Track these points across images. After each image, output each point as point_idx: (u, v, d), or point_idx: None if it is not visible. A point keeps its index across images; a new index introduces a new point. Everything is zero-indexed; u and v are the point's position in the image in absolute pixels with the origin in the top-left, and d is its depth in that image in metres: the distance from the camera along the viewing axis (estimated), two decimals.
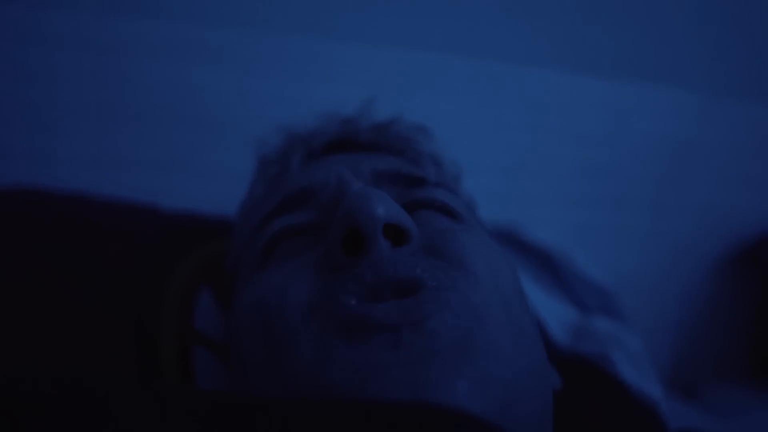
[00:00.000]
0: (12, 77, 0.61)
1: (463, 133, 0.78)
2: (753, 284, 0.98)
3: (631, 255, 0.91)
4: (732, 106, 0.91)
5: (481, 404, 0.24)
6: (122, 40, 0.63)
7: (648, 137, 0.88)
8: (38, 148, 0.62)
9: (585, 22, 0.84)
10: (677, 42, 0.89)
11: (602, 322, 0.60)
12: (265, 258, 0.34)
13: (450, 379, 0.24)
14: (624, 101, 0.86)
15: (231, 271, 0.39)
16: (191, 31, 0.65)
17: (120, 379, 0.23)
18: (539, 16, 0.82)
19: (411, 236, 0.30)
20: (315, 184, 0.36)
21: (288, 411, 0.22)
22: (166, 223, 0.53)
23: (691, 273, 0.96)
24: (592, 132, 0.85)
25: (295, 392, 0.26)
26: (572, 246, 0.75)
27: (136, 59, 0.64)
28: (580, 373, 0.50)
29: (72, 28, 0.62)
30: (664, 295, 0.95)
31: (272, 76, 0.69)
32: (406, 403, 0.23)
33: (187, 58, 0.65)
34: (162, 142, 0.66)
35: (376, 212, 0.28)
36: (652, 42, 0.88)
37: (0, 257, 0.43)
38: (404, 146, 0.43)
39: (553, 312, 0.60)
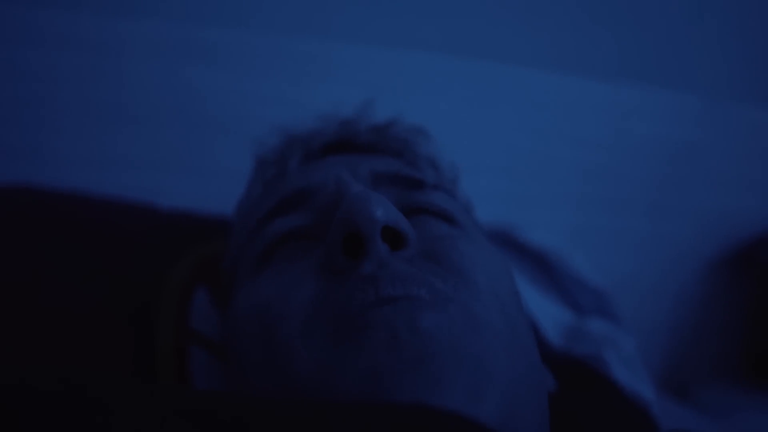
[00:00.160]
0: (10, 76, 0.61)
1: (462, 134, 0.78)
2: (747, 286, 0.98)
3: (628, 256, 0.91)
4: (732, 109, 0.92)
5: (479, 411, 0.24)
6: (121, 40, 0.63)
7: (648, 140, 0.88)
8: (36, 147, 0.62)
9: (586, 24, 0.84)
10: (678, 45, 0.90)
11: (596, 323, 0.60)
12: (263, 261, 0.34)
13: (448, 384, 0.24)
14: (624, 104, 0.86)
15: (228, 271, 0.39)
16: (190, 32, 0.65)
17: (115, 379, 0.23)
18: (539, 17, 0.82)
19: (409, 240, 0.30)
20: (313, 185, 0.36)
21: (286, 412, 0.22)
22: (163, 222, 0.53)
23: (687, 274, 0.96)
24: (591, 134, 0.85)
25: (295, 397, 0.27)
26: (570, 247, 0.75)
27: (134, 59, 0.64)
28: (573, 375, 0.50)
29: (71, 28, 0.61)
30: (660, 297, 0.95)
31: (270, 77, 0.69)
32: (405, 405, 0.23)
33: (186, 58, 0.65)
34: (160, 141, 0.66)
35: (375, 215, 0.28)
36: (653, 44, 0.88)
37: None
38: (402, 148, 0.43)
39: (548, 313, 0.61)
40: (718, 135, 0.92)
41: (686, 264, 0.95)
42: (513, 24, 0.81)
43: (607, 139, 0.86)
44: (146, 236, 0.50)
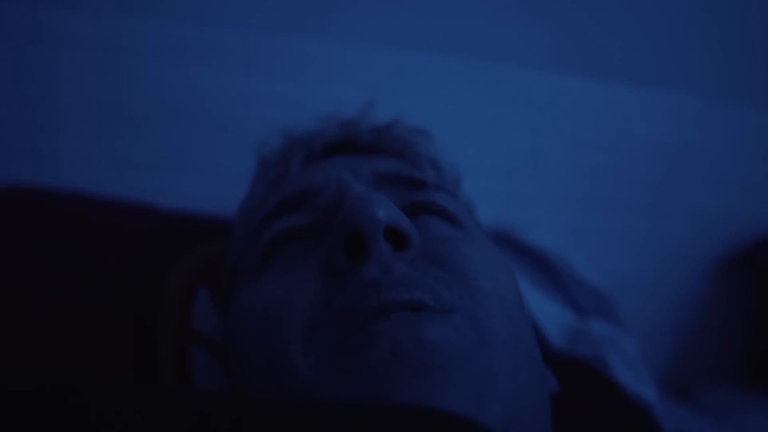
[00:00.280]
0: (10, 76, 0.60)
1: (463, 135, 0.78)
2: (749, 287, 0.98)
3: (629, 258, 0.91)
4: (731, 110, 0.92)
5: (484, 417, 0.24)
6: (121, 40, 0.63)
7: (648, 141, 0.88)
8: (36, 147, 0.62)
9: (586, 26, 0.84)
10: (678, 46, 0.90)
11: (598, 324, 0.60)
12: (264, 262, 0.34)
13: (452, 393, 0.24)
14: (624, 105, 0.86)
15: (229, 272, 0.39)
16: (190, 32, 0.65)
17: (114, 381, 0.23)
18: (540, 18, 0.82)
19: (411, 241, 0.29)
20: (314, 186, 0.36)
21: (286, 413, 0.22)
22: (164, 222, 0.53)
23: (688, 276, 0.96)
24: (591, 135, 0.85)
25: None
26: (571, 248, 0.75)
27: (135, 59, 0.64)
28: (575, 376, 0.50)
29: (71, 28, 0.61)
30: (661, 298, 0.95)
31: (271, 77, 0.69)
32: (408, 407, 0.23)
33: (187, 58, 0.65)
34: (160, 141, 0.66)
35: (377, 215, 0.28)
36: (653, 46, 0.88)
37: None
38: (404, 149, 0.43)
39: (550, 314, 0.60)
40: (718, 136, 0.92)
41: (687, 265, 0.95)
42: (513, 25, 0.81)
43: (607, 140, 0.86)
44: (147, 237, 0.50)
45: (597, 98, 0.84)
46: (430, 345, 0.25)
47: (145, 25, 0.64)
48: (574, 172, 0.86)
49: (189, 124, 0.67)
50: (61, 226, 0.47)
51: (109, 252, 0.47)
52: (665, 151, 0.90)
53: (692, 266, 0.96)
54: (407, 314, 0.26)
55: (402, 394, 0.24)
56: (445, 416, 0.22)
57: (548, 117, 0.82)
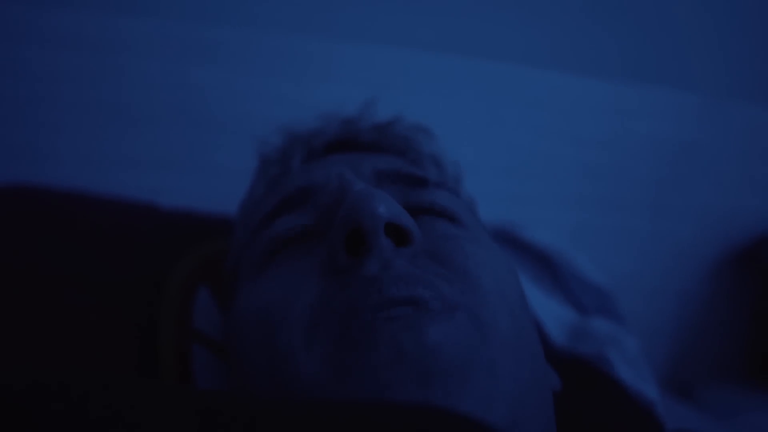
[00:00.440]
0: (11, 76, 0.60)
1: (463, 133, 0.78)
2: (750, 285, 0.98)
3: (630, 256, 0.91)
4: (732, 107, 0.91)
5: (489, 416, 0.24)
6: (122, 39, 0.63)
7: (648, 138, 0.88)
8: (37, 147, 0.62)
9: (586, 23, 0.84)
10: (678, 43, 0.90)
11: (600, 323, 0.60)
12: (265, 261, 0.33)
13: (458, 394, 0.24)
14: (624, 102, 0.86)
15: (230, 271, 0.39)
16: (191, 30, 0.65)
17: (115, 380, 0.23)
18: (540, 16, 0.82)
19: (413, 237, 0.29)
20: (315, 183, 0.35)
21: (290, 412, 0.22)
22: (165, 221, 0.53)
23: (690, 274, 0.96)
24: (592, 133, 0.85)
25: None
26: (571, 246, 0.75)
27: (136, 58, 0.64)
28: (577, 374, 0.50)
29: (72, 27, 0.61)
30: (662, 296, 0.95)
31: (272, 75, 0.69)
32: (412, 405, 0.23)
33: (187, 57, 0.65)
34: (161, 140, 0.66)
35: (378, 211, 0.28)
36: (653, 43, 0.88)
37: None
38: (405, 146, 0.43)
39: (551, 312, 0.60)
40: (719, 134, 0.92)
41: (688, 263, 0.95)
42: (513, 23, 0.81)
43: (608, 138, 0.86)
44: (147, 235, 0.50)
45: (598, 96, 0.84)
46: (433, 347, 0.25)
47: (145, 24, 0.64)
48: (574, 170, 0.85)
49: (190, 122, 0.67)
50: (62, 226, 0.47)
51: (110, 251, 0.47)
52: (666, 148, 0.90)
53: (693, 264, 0.96)
54: (409, 314, 0.26)
55: (406, 396, 0.24)
56: (453, 416, 0.22)
57: (549, 115, 0.82)
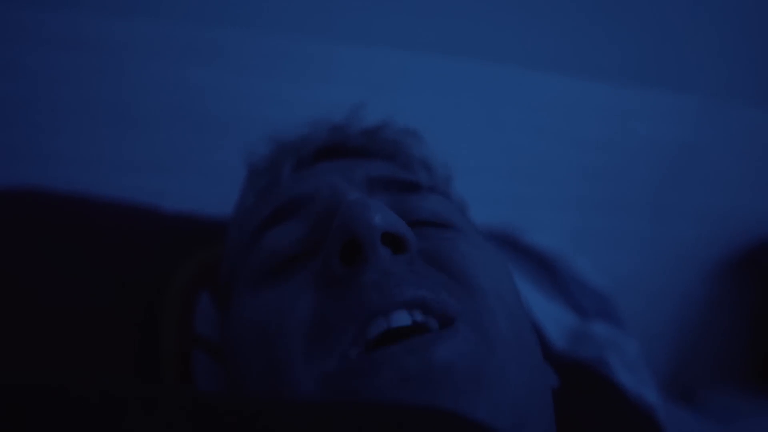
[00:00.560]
0: (11, 78, 0.60)
1: (463, 136, 0.78)
2: (751, 289, 0.98)
3: (630, 258, 0.91)
4: (731, 109, 0.92)
5: (495, 422, 0.24)
6: (122, 41, 0.63)
7: (648, 141, 0.88)
8: (38, 149, 0.62)
9: (586, 26, 0.84)
10: (678, 46, 0.90)
11: (600, 326, 0.60)
12: (260, 277, 0.33)
13: (465, 408, 0.24)
14: (624, 104, 0.86)
15: (226, 281, 0.39)
16: (190, 32, 0.65)
17: (112, 381, 0.23)
18: (540, 19, 0.82)
19: (409, 244, 0.29)
20: (306, 193, 0.35)
21: (294, 413, 0.21)
22: (167, 224, 0.52)
23: (690, 277, 0.96)
24: (591, 135, 0.85)
25: None
26: (572, 249, 0.75)
27: (135, 60, 0.64)
28: (578, 378, 0.50)
29: (72, 29, 0.61)
30: (663, 299, 0.95)
31: (271, 77, 0.69)
32: (416, 408, 0.23)
33: (186, 58, 0.65)
34: (162, 143, 0.66)
35: (374, 221, 0.28)
36: (653, 46, 0.88)
37: (0, 258, 0.43)
38: (394, 150, 0.43)
39: (552, 316, 0.60)
40: (718, 136, 0.92)
41: (689, 266, 0.95)
42: (513, 25, 0.81)
43: (608, 140, 0.86)
44: (150, 239, 0.50)
45: (598, 98, 0.84)
46: (443, 365, 0.25)
47: (146, 25, 0.64)
48: (575, 172, 0.85)
49: (190, 124, 0.67)
50: (64, 229, 0.47)
51: (112, 254, 0.47)
52: (666, 151, 0.90)
53: (694, 267, 0.96)
54: (412, 339, 0.26)
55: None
56: (459, 418, 0.22)
57: (549, 117, 0.82)
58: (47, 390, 0.21)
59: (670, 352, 0.97)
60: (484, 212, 0.73)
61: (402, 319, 0.27)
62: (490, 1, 0.79)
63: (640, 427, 0.47)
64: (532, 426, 0.26)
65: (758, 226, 0.97)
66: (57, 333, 0.40)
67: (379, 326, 0.27)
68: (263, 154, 0.44)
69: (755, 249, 0.95)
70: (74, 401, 0.20)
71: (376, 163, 0.38)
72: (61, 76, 0.62)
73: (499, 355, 0.26)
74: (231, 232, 0.41)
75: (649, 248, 0.92)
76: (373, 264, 0.28)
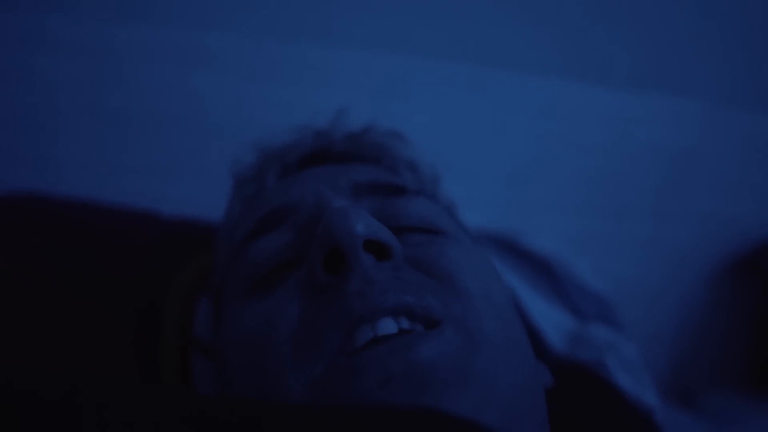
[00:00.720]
0: (12, 82, 0.61)
1: (464, 140, 0.78)
2: (751, 292, 0.98)
3: (631, 263, 0.91)
4: (733, 114, 0.91)
5: (483, 420, 0.24)
6: (122, 46, 0.63)
7: (650, 145, 0.88)
8: (39, 153, 0.63)
9: (588, 31, 0.84)
10: (680, 50, 0.90)
11: (599, 330, 0.60)
12: (247, 285, 0.33)
13: (450, 405, 0.24)
14: (625, 109, 0.86)
15: (215, 291, 0.39)
16: (190, 37, 0.65)
17: (114, 383, 0.23)
18: (542, 23, 0.82)
19: (393, 251, 0.29)
20: (291, 202, 0.35)
21: (289, 416, 0.22)
22: (167, 229, 0.53)
23: (690, 281, 0.96)
24: (593, 140, 0.85)
25: None
26: (572, 253, 0.75)
27: (135, 64, 0.64)
28: (576, 380, 0.50)
29: (71, 34, 0.62)
30: (663, 303, 0.95)
31: (270, 81, 0.69)
32: (408, 409, 0.23)
33: (186, 63, 0.66)
34: (162, 147, 0.66)
35: (355, 230, 0.28)
36: (655, 51, 0.88)
37: (0, 262, 0.43)
38: (380, 154, 0.43)
39: (551, 319, 0.60)
40: (720, 141, 0.92)
41: (689, 270, 0.95)
42: (514, 30, 0.81)
43: (610, 145, 0.86)
44: (150, 243, 0.50)
45: (599, 103, 0.84)
46: (426, 365, 0.25)
47: (145, 30, 0.64)
48: (575, 176, 0.85)
49: (190, 129, 0.67)
50: (64, 233, 0.47)
51: (112, 258, 0.47)
52: (667, 155, 0.90)
53: (694, 271, 0.95)
54: (395, 339, 0.26)
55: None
56: (449, 417, 0.22)
57: (550, 122, 0.82)
58: (44, 393, 0.21)
59: (669, 354, 0.97)
60: (486, 216, 0.74)
61: (388, 326, 0.27)
62: (491, 6, 0.79)
63: (639, 430, 0.47)
64: (524, 424, 0.26)
65: (758, 230, 0.97)
66: (57, 335, 0.40)
67: (365, 334, 0.27)
68: (248, 162, 0.44)
69: (755, 252, 0.95)
70: (72, 406, 0.20)
71: (362, 168, 0.38)
72: (60, 81, 0.62)
73: (486, 355, 0.26)
74: (219, 242, 0.41)
75: (649, 252, 0.92)
76: (356, 272, 0.28)
